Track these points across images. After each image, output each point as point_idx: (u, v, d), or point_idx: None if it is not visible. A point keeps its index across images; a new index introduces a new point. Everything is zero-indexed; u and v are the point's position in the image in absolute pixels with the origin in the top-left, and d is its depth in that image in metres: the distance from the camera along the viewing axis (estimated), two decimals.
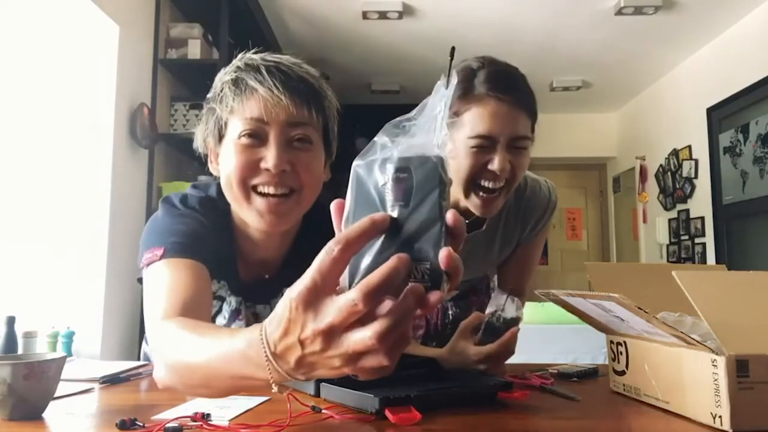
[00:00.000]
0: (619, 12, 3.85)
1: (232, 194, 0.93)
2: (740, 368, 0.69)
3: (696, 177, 4.65)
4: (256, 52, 0.95)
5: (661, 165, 5.22)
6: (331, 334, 0.49)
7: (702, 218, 4.54)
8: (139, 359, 1.38)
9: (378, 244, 0.48)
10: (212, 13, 3.21)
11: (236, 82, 0.91)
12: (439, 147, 0.50)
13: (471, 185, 1.10)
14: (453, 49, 0.56)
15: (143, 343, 1.28)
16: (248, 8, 3.51)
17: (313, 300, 0.49)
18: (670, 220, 5.08)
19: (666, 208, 5.15)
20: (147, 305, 0.84)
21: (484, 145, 1.07)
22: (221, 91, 0.93)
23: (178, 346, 0.70)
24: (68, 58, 2.61)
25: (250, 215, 0.92)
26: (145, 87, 2.98)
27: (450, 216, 0.48)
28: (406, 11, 3.89)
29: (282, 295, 0.52)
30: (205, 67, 3.18)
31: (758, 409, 0.69)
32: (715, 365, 0.70)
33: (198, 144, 1.00)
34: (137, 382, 1.06)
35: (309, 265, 0.50)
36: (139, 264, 0.92)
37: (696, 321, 0.81)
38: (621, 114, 6.27)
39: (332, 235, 0.50)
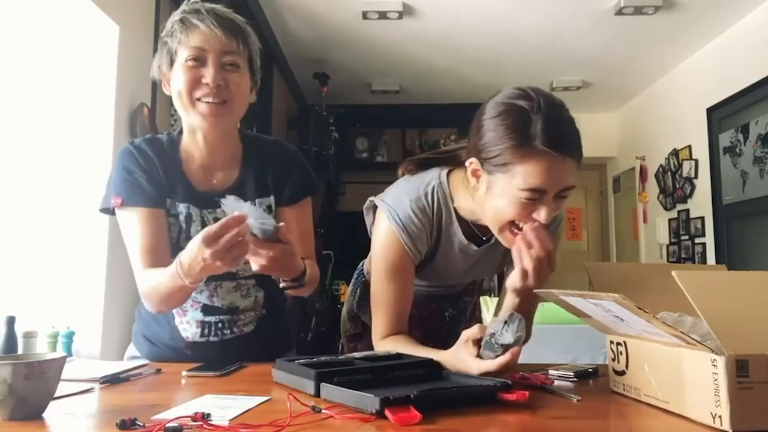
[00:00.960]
0: (619, 12, 3.85)
1: (182, 103, 1.22)
2: (740, 368, 0.69)
3: (696, 177, 4.65)
4: (194, 2, 1.26)
5: (661, 165, 5.22)
6: (207, 249, 1.04)
7: (702, 218, 4.54)
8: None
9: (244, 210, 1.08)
10: None
11: (183, 21, 1.21)
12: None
13: (510, 226, 1.11)
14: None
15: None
16: (248, 8, 3.51)
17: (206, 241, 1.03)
18: (670, 220, 5.08)
19: (666, 208, 5.15)
20: (128, 249, 1.28)
21: (535, 198, 1.06)
22: (172, 28, 1.23)
23: (147, 284, 1.23)
24: (68, 58, 2.61)
25: (196, 118, 1.22)
26: (145, 87, 2.97)
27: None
28: (406, 11, 3.89)
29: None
30: None
31: (758, 409, 0.69)
32: (714, 365, 0.70)
33: (153, 72, 1.28)
34: (137, 382, 1.07)
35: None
36: (107, 202, 1.29)
37: (696, 321, 0.81)
38: (621, 114, 6.27)
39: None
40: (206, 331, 1.30)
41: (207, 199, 1.28)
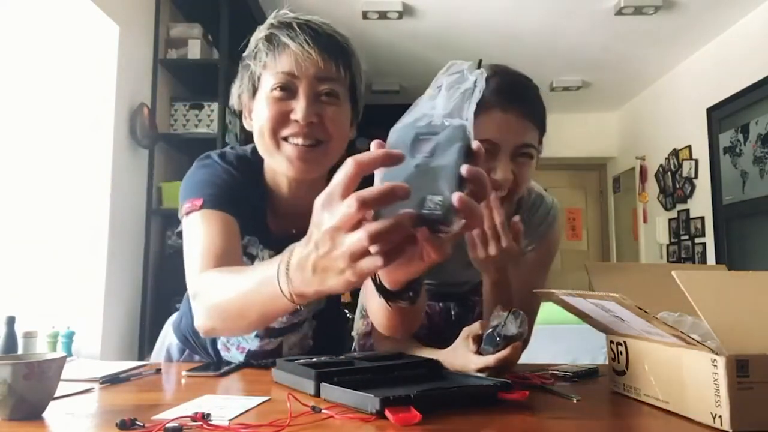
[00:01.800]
0: (619, 12, 3.86)
1: (263, 143, 0.99)
2: (740, 368, 0.69)
3: (696, 177, 4.65)
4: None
5: (661, 165, 5.22)
6: (336, 233, 0.58)
7: (702, 218, 4.54)
8: (139, 359, 1.37)
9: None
10: (212, 13, 3.21)
11: (269, 39, 0.97)
12: (467, 119, 0.59)
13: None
14: (480, 61, 0.67)
15: (184, 299, 1.26)
16: (248, 8, 3.51)
17: (327, 204, 0.59)
18: (670, 220, 5.08)
19: (666, 208, 5.15)
20: (187, 256, 0.95)
21: (488, 152, 1.07)
22: (255, 47, 0.99)
23: (218, 289, 0.83)
24: (68, 58, 2.61)
25: (281, 162, 0.98)
26: (145, 87, 2.98)
27: (465, 167, 0.56)
28: (406, 11, 3.89)
29: None
30: (205, 67, 3.18)
31: (758, 409, 0.69)
32: (715, 365, 0.70)
33: (233, 101, 1.06)
34: (137, 382, 1.06)
35: None
36: (180, 214, 1.01)
37: (696, 321, 0.81)
38: (621, 114, 6.27)
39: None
40: (246, 363, 1.18)
41: (282, 244, 1.07)
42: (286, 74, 0.96)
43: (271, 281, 0.69)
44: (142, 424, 0.71)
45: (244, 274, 0.78)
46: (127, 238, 2.75)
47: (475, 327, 1.04)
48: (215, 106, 3.11)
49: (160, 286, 3.03)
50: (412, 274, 0.66)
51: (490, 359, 0.98)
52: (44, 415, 0.79)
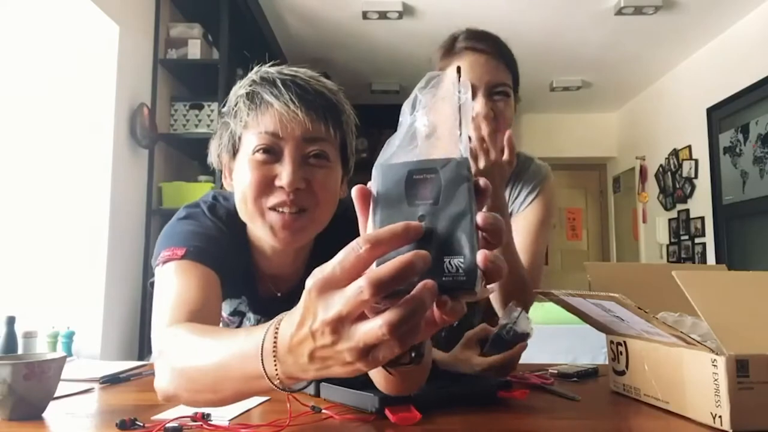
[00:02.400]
0: (619, 12, 3.85)
1: (246, 210, 0.90)
2: (740, 368, 0.69)
3: (696, 177, 4.65)
4: (273, 65, 0.92)
5: (661, 165, 5.22)
6: (340, 325, 0.47)
7: (702, 218, 4.54)
8: (139, 359, 1.38)
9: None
10: (212, 13, 3.21)
11: (251, 96, 0.89)
12: (463, 150, 0.49)
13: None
14: (459, 68, 0.57)
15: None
16: (248, 8, 3.51)
17: (327, 289, 0.47)
18: (670, 220, 5.08)
19: (666, 208, 5.15)
20: (156, 307, 0.83)
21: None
22: (236, 105, 0.91)
23: (188, 349, 0.69)
24: (68, 58, 2.61)
25: (264, 231, 0.90)
26: (145, 87, 2.97)
27: (481, 216, 0.46)
28: (406, 11, 3.89)
29: None
30: (205, 67, 3.18)
31: (758, 409, 0.69)
32: (715, 365, 0.70)
33: (212, 159, 0.98)
34: (137, 382, 1.06)
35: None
36: (155, 262, 0.90)
37: (696, 321, 0.81)
38: (621, 114, 6.27)
39: (346, 244, 0.47)
40: None
41: (267, 306, 1.03)
42: (269, 135, 0.87)
43: (253, 359, 0.56)
44: (142, 424, 0.71)
45: (220, 339, 0.65)
46: (127, 238, 2.75)
47: (477, 330, 1.04)
48: (215, 106, 3.11)
49: None
50: (422, 339, 0.52)
51: (497, 357, 0.99)
52: (44, 415, 0.79)
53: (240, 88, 0.91)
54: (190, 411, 0.76)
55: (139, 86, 2.90)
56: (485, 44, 1.20)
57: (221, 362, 0.62)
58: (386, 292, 0.45)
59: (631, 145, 5.93)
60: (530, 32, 4.24)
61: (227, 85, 2.90)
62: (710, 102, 4.43)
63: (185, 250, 0.87)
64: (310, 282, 0.48)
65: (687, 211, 4.79)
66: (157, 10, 3.08)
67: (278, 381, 0.55)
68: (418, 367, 0.64)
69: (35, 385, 0.76)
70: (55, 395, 0.82)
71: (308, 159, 0.89)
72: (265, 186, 0.87)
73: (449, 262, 0.45)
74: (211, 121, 3.13)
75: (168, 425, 0.70)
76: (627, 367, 0.91)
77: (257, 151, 0.87)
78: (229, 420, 0.75)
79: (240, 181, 0.89)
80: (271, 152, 0.87)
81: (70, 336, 2.36)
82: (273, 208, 0.88)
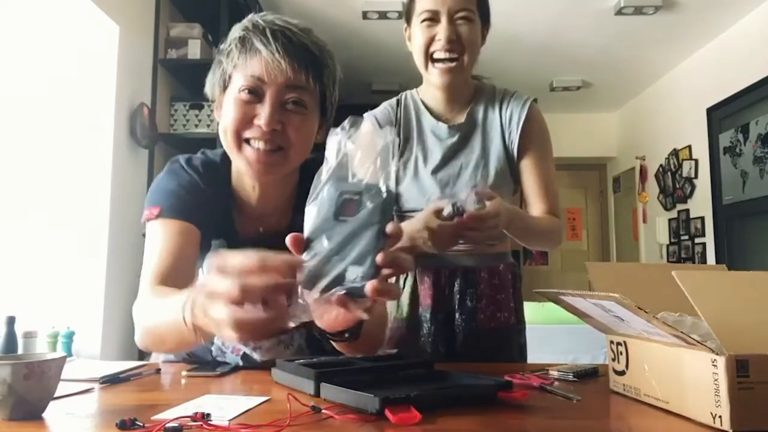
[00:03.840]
0: (619, 12, 3.86)
1: (226, 141, 1.01)
2: (740, 368, 0.69)
3: (696, 177, 4.65)
4: (267, 14, 1.02)
5: (661, 165, 5.22)
6: (210, 297, 0.64)
7: (702, 218, 4.54)
8: (139, 359, 1.38)
9: (324, 245, 0.60)
10: (212, 13, 3.21)
11: (243, 41, 0.98)
12: (382, 184, 0.62)
13: (428, 59, 1.32)
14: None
15: None
16: (248, 8, 3.51)
17: (221, 270, 0.63)
18: (670, 220, 5.08)
19: (666, 208, 5.15)
20: (143, 268, 1.00)
21: (431, 19, 1.29)
22: (229, 46, 1.00)
23: (148, 313, 0.92)
24: (68, 58, 2.61)
25: (241, 162, 1.01)
26: (145, 87, 2.98)
27: (390, 225, 0.60)
28: None
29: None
30: (205, 67, 3.15)
31: (758, 409, 0.69)
32: (715, 365, 0.70)
33: (207, 90, 1.08)
34: (137, 382, 1.06)
35: None
36: (142, 220, 1.05)
37: (696, 321, 0.81)
38: (621, 114, 6.27)
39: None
40: (243, 366, 1.17)
41: (247, 244, 1.09)
42: (255, 78, 0.96)
43: (180, 311, 0.75)
44: (142, 424, 0.71)
45: (168, 302, 0.81)
46: (127, 238, 2.75)
47: (440, 202, 1.17)
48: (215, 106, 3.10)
49: None
50: (343, 326, 0.74)
51: (450, 224, 1.12)
52: (44, 415, 0.79)
53: (235, 31, 1.01)
54: (190, 411, 0.76)
55: (139, 86, 2.90)
56: None
57: (165, 320, 0.81)
58: (248, 299, 0.59)
59: (631, 145, 5.93)
60: (530, 32, 4.24)
61: None
62: (710, 102, 4.43)
63: (159, 209, 1.02)
64: (216, 259, 0.63)
65: (687, 211, 4.79)
66: (157, 10, 3.08)
67: (193, 331, 0.73)
68: (361, 341, 0.87)
69: (35, 385, 0.76)
70: (55, 395, 0.82)
71: (286, 104, 0.98)
72: (245, 122, 0.98)
73: (352, 270, 0.57)
74: (211, 121, 3.13)
75: (168, 425, 0.70)
76: (627, 367, 0.91)
77: (242, 90, 0.97)
78: (229, 420, 0.75)
79: (225, 115, 1.00)
80: (255, 93, 0.97)
81: (70, 336, 2.36)
82: (250, 143, 0.98)
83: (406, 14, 1.38)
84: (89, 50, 2.63)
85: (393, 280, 0.64)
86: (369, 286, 0.56)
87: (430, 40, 1.30)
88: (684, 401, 0.77)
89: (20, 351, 2.11)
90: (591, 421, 0.82)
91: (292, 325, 0.64)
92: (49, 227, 2.55)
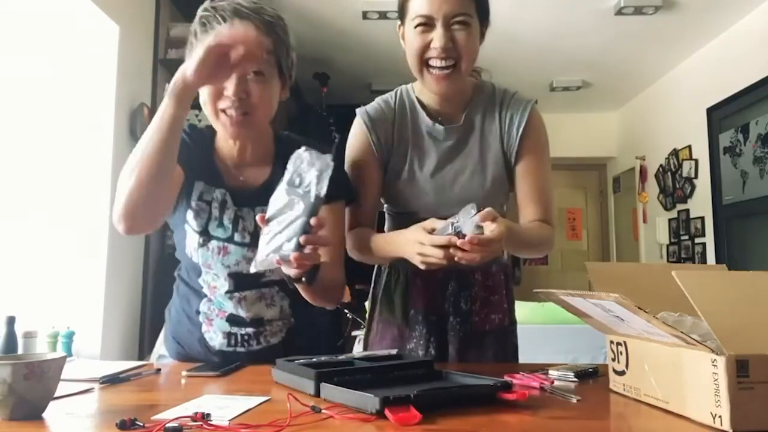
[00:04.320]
0: (619, 12, 3.86)
1: (206, 111, 1.21)
2: (740, 368, 0.69)
3: (696, 177, 4.65)
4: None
5: (661, 165, 5.22)
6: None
7: (702, 218, 4.54)
8: (139, 359, 1.39)
9: (275, 226, 1.00)
10: None
11: (204, 23, 1.18)
12: (318, 192, 0.98)
13: (423, 64, 1.26)
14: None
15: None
16: None
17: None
18: (670, 220, 5.08)
19: (666, 208, 5.15)
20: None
21: (425, 24, 1.22)
22: (194, 28, 1.20)
23: (130, 160, 1.10)
24: (68, 58, 2.61)
25: (219, 126, 1.22)
26: (145, 87, 2.98)
27: (313, 219, 0.96)
28: None
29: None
30: None
31: (758, 409, 0.69)
32: (715, 365, 0.70)
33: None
34: (137, 382, 1.07)
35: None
36: None
37: (696, 321, 0.81)
38: (621, 114, 6.27)
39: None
40: (232, 341, 1.26)
41: (235, 197, 1.26)
42: None
43: (155, 123, 1.09)
44: (142, 424, 0.71)
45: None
46: (127, 238, 2.74)
47: (428, 221, 1.13)
48: None
49: (160, 286, 3.03)
50: (300, 275, 1.05)
51: (442, 239, 1.06)
52: (44, 415, 0.79)
53: (197, 16, 1.19)
54: (190, 411, 0.76)
55: (139, 86, 2.90)
56: None
57: (146, 141, 1.08)
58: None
59: (631, 145, 5.93)
60: (530, 32, 4.24)
61: None
62: (710, 102, 4.43)
63: None
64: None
65: (687, 211, 4.79)
66: (157, 10, 3.08)
67: (169, 100, 1.08)
68: (316, 288, 1.15)
69: (35, 385, 0.77)
70: (55, 395, 0.82)
71: (248, 76, 1.17)
72: (217, 95, 1.17)
73: (286, 245, 0.96)
74: None
75: (168, 425, 0.70)
76: (627, 367, 0.91)
77: None
78: (229, 420, 0.75)
79: (202, 90, 1.18)
80: None
81: (70, 336, 2.36)
82: (223, 111, 1.18)
83: (400, 12, 1.30)
84: (89, 50, 2.63)
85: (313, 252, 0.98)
86: (292, 255, 0.93)
87: (425, 47, 1.23)
88: (684, 401, 0.77)
89: (20, 351, 2.11)
90: (591, 421, 0.82)
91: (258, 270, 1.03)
92: (49, 227, 2.54)
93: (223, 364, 1.16)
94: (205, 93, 1.18)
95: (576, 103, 5.93)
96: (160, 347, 1.41)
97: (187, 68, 1.03)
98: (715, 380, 0.70)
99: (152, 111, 2.93)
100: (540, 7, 3.85)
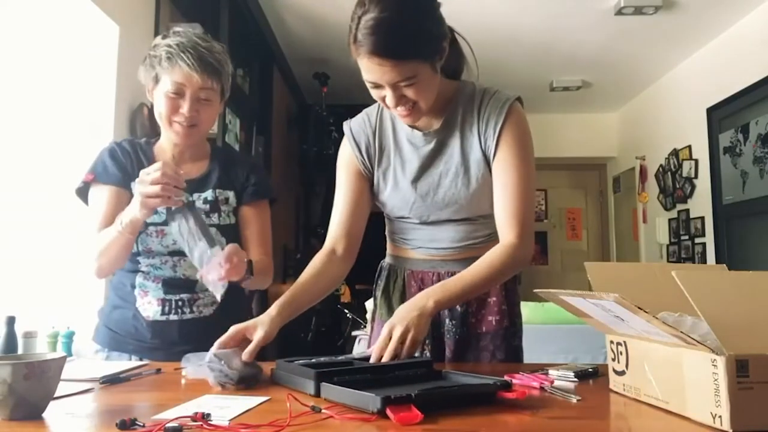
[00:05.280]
0: (619, 12, 3.85)
1: (160, 121, 1.46)
2: (740, 368, 0.69)
3: (696, 177, 4.65)
4: (179, 34, 1.47)
5: (661, 165, 5.22)
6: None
7: (702, 218, 4.54)
8: (139, 359, 1.41)
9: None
10: (212, 13, 3.21)
11: (169, 57, 1.40)
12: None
13: (386, 108, 1.28)
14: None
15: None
16: (248, 8, 3.51)
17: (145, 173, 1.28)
18: (670, 220, 5.08)
19: (666, 208, 5.15)
20: (94, 224, 1.47)
21: (375, 86, 1.24)
22: (159, 56, 1.42)
23: (96, 240, 1.42)
24: (68, 58, 2.61)
25: (171, 134, 1.47)
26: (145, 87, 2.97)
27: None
28: None
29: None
30: None
31: (758, 409, 0.69)
32: (715, 365, 0.70)
33: (140, 77, 1.49)
34: (137, 382, 1.07)
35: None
36: (80, 180, 1.52)
37: (696, 321, 0.81)
38: (621, 114, 6.27)
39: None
40: (166, 308, 1.44)
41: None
42: (179, 84, 1.41)
43: (116, 224, 1.35)
44: (142, 424, 0.71)
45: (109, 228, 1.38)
46: None
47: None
48: None
49: None
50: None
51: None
52: (44, 415, 0.79)
53: (161, 46, 1.42)
54: (190, 411, 0.76)
55: (139, 86, 2.90)
56: (380, 46, 1.17)
57: (109, 234, 1.37)
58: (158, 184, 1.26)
59: (631, 145, 5.93)
60: (530, 32, 4.24)
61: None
62: (710, 102, 4.43)
63: (93, 176, 1.50)
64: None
65: (687, 211, 4.79)
66: (157, 10, 3.08)
67: (124, 222, 1.33)
68: (257, 279, 1.40)
69: (35, 385, 0.77)
70: (55, 395, 0.82)
71: (200, 100, 1.43)
72: (174, 111, 1.43)
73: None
74: None
75: (168, 425, 0.70)
76: (627, 367, 0.91)
77: (171, 93, 1.42)
78: (229, 420, 0.75)
79: (158, 104, 1.45)
80: (179, 93, 1.42)
81: (70, 336, 2.36)
82: (177, 122, 1.44)
83: (353, 55, 1.28)
84: (89, 50, 2.63)
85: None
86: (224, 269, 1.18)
87: (382, 100, 1.26)
88: (684, 401, 0.77)
89: (20, 351, 2.11)
90: (591, 421, 0.82)
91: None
92: (49, 227, 2.54)
93: (155, 337, 1.42)
94: (161, 106, 1.44)
95: (576, 103, 5.93)
96: (93, 345, 1.58)
97: (148, 204, 1.28)
98: (715, 380, 0.70)
99: (152, 111, 2.93)
100: (540, 7, 3.85)
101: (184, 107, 1.42)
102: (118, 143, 1.56)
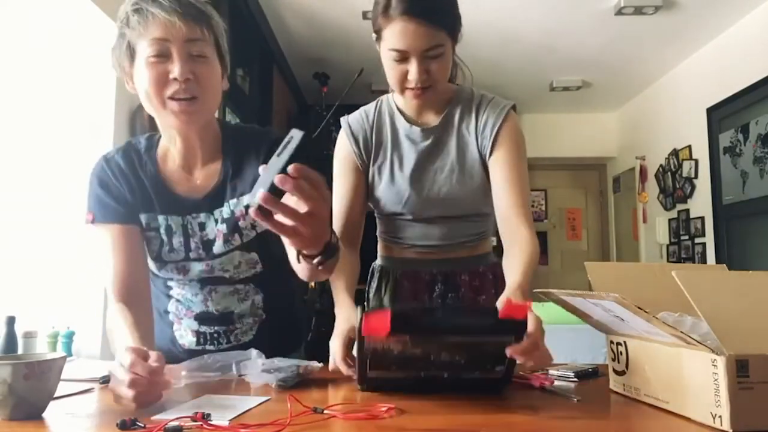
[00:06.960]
0: (619, 12, 3.86)
1: (150, 103, 1.13)
2: (740, 368, 0.69)
3: (696, 177, 4.65)
4: None
5: (661, 165, 5.22)
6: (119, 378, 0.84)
7: (702, 218, 4.54)
8: None
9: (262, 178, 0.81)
10: None
11: (138, 11, 1.08)
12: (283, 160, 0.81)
13: (400, 88, 1.29)
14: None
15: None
16: (248, 8, 3.51)
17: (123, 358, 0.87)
18: (670, 220, 5.08)
19: (666, 208, 5.15)
20: (105, 271, 1.19)
21: (400, 58, 1.23)
22: (126, 18, 1.10)
23: (110, 323, 1.12)
24: (68, 58, 2.61)
25: (167, 117, 1.13)
26: None
27: (290, 167, 0.76)
28: None
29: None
30: None
31: (758, 409, 0.69)
32: (715, 365, 0.70)
33: (114, 66, 1.18)
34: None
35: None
36: (85, 219, 1.24)
37: (696, 321, 0.81)
38: (621, 114, 6.27)
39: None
40: (201, 340, 1.27)
41: (189, 205, 1.21)
42: (160, 40, 1.07)
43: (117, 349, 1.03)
44: (142, 425, 0.71)
45: (119, 329, 1.07)
46: None
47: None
48: None
49: None
50: (300, 246, 0.86)
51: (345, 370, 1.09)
52: (44, 415, 0.79)
53: (127, 5, 1.10)
54: (190, 411, 0.76)
55: None
56: (416, 14, 1.19)
57: (116, 334, 1.07)
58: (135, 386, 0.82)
59: (631, 145, 5.93)
60: (530, 32, 4.24)
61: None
62: (710, 102, 4.43)
63: (93, 216, 1.21)
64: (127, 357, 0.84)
65: (687, 211, 4.79)
66: None
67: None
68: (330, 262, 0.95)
69: (35, 385, 0.77)
70: (55, 395, 0.82)
71: (191, 56, 1.10)
72: (162, 80, 1.09)
73: (260, 191, 0.76)
74: None
75: (168, 425, 0.70)
76: (627, 367, 0.91)
77: (151, 55, 1.08)
78: (229, 420, 0.75)
79: (141, 81, 1.11)
80: (163, 54, 1.08)
81: (70, 336, 2.36)
82: (171, 98, 1.10)
83: (376, 33, 1.28)
84: (89, 50, 2.63)
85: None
86: (260, 193, 0.74)
87: (402, 77, 1.26)
88: (684, 401, 0.77)
89: (20, 351, 2.11)
90: (591, 421, 0.82)
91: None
92: (49, 227, 2.54)
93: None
94: (144, 80, 1.10)
95: (576, 103, 5.93)
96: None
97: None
98: (715, 380, 0.70)
99: None
100: (540, 7, 3.85)
101: (175, 70, 1.07)
102: (107, 161, 1.25)
